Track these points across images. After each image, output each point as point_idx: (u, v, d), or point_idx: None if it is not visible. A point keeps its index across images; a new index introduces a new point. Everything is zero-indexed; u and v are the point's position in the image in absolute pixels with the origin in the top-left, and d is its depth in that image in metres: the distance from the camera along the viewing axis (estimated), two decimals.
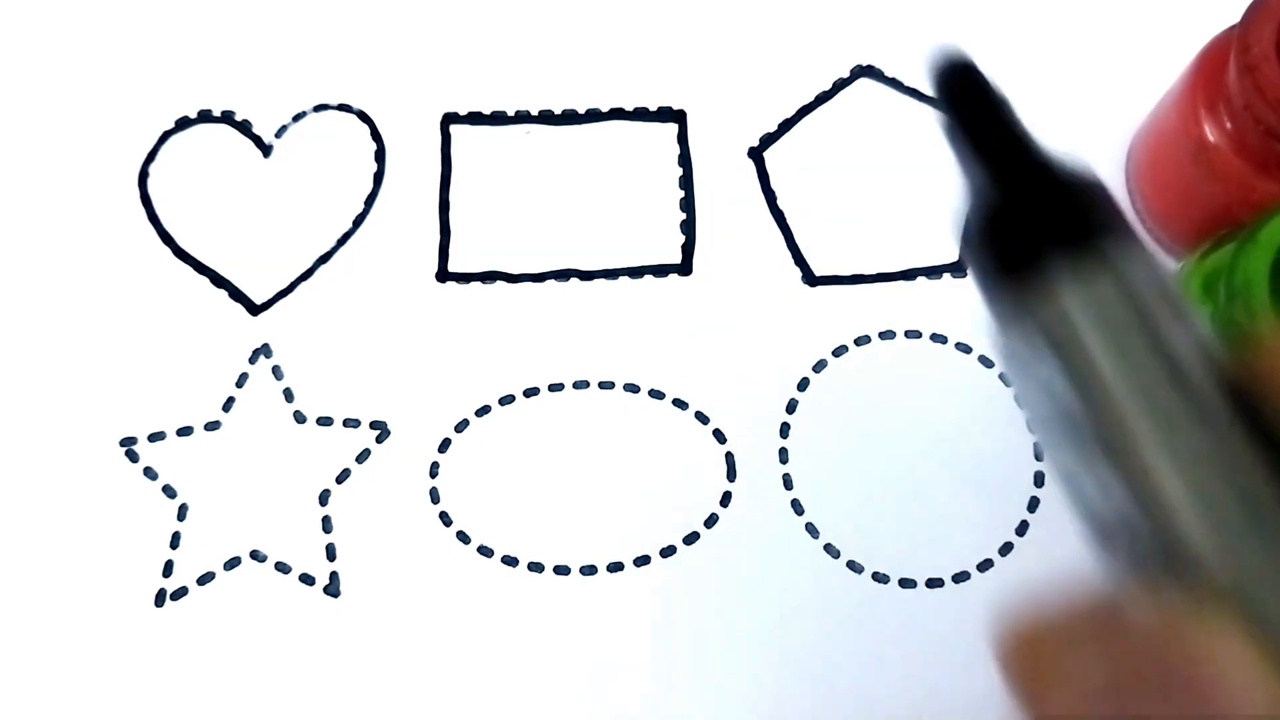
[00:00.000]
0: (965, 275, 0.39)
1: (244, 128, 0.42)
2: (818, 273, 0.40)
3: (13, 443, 0.38)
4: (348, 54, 0.43)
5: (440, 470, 0.37)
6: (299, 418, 0.38)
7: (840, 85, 0.42)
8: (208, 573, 0.37)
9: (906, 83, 0.42)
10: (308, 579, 0.36)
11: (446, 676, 0.35)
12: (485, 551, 0.36)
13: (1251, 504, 0.14)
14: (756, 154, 0.41)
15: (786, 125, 0.42)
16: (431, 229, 0.41)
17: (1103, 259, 0.16)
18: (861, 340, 0.38)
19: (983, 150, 0.18)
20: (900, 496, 0.36)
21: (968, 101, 0.19)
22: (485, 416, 0.38)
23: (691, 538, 0.36)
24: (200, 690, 0.35)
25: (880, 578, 0.36)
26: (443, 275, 0.40)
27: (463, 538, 0.36)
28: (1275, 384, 0.14)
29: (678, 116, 0.42)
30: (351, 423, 0.38)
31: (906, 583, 0.35)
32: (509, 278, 0.40)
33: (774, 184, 0.41)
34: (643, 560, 0.36)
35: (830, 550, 0.36)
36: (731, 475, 0.37)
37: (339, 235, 0.41)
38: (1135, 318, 0.15)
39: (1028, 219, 0.17)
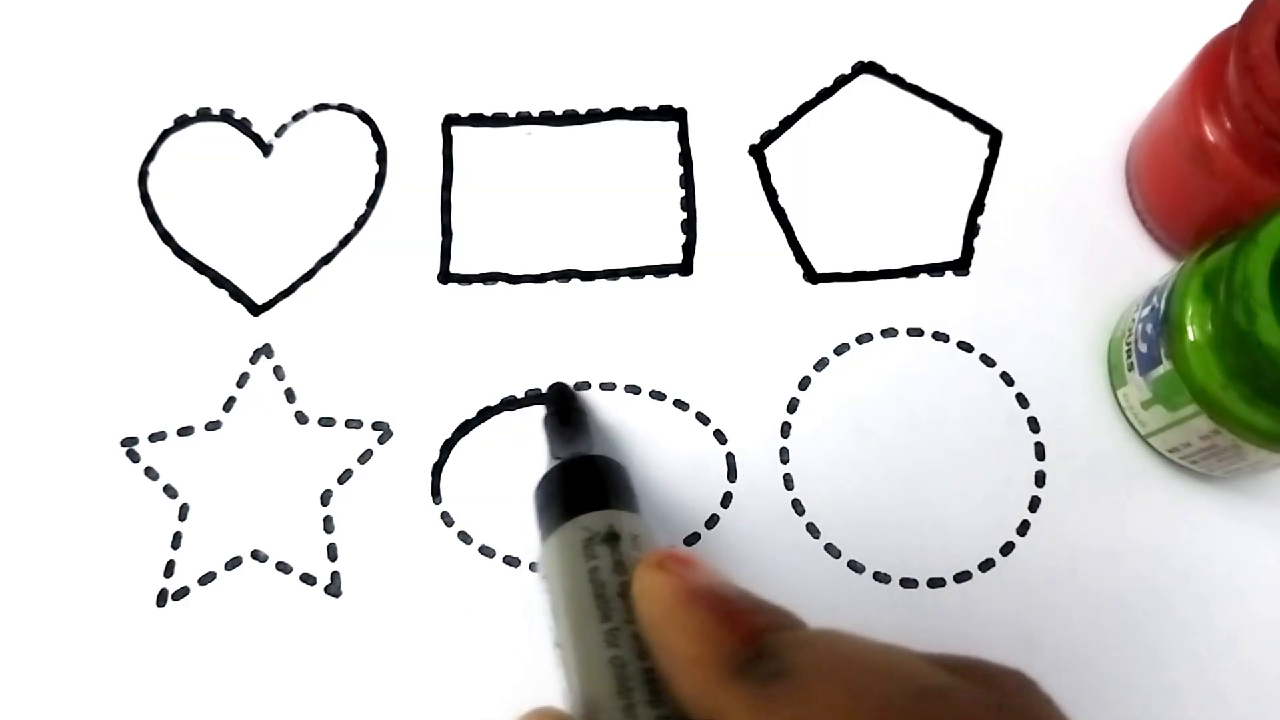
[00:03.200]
0: (968, 273, 0.39)
1: (243, 126, 0.42)
2: (819, 270, 0.40)
3: (14, 443, 0.38)
4: (348, 54, 0.43)
5: (442, 471, 0.37)
6: (301, 418, 0.38)
7: (842, 82, 0.42)
8: (209, 573, 0.37)
9: (908, 79, 0.42)
10: (309, 579, 0.36)
11: (447, 677, 0.35)
12: (487, 552, 0.36)
13: (618, 664, 0.23)
14: (757, 152, 0.41)
15: (788, 122, 0.42)
16: (433, 230, 0.40)
17: (575, 520, 0.28)
18: (863, 338, 0.38)
19: (551, 442, 0.35)
20: (901, 496, 0.36)
21: (557, 408, 0.36)
22: (487, 417, 0.38)
23: (692, 538, 0.36)
24: (202, 690, 0.35)
25: (881, 577, 0.36)
26: (444, 276, 0.40)
27: (464, 538, 0.37)
28: (638, 593, 0.24)
29: (678, 115, 0.42)
30: (354, 423, 0.38)
31: (908, 582, 0.36)
32: (510, 279, 0.40)
33: (775, 182, 0.41)
34: None
35: (831, 550, 0.36)
36: (732, 476, 0.37)
37: (341, 236, 0.41)
38: (581, 555, 0.27)
39: (548, 493, 0.31)
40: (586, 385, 0.38)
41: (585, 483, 0.31)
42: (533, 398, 0.38)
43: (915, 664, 0.20)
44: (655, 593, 0.23)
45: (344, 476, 0.38)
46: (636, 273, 0.40)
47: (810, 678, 0.19)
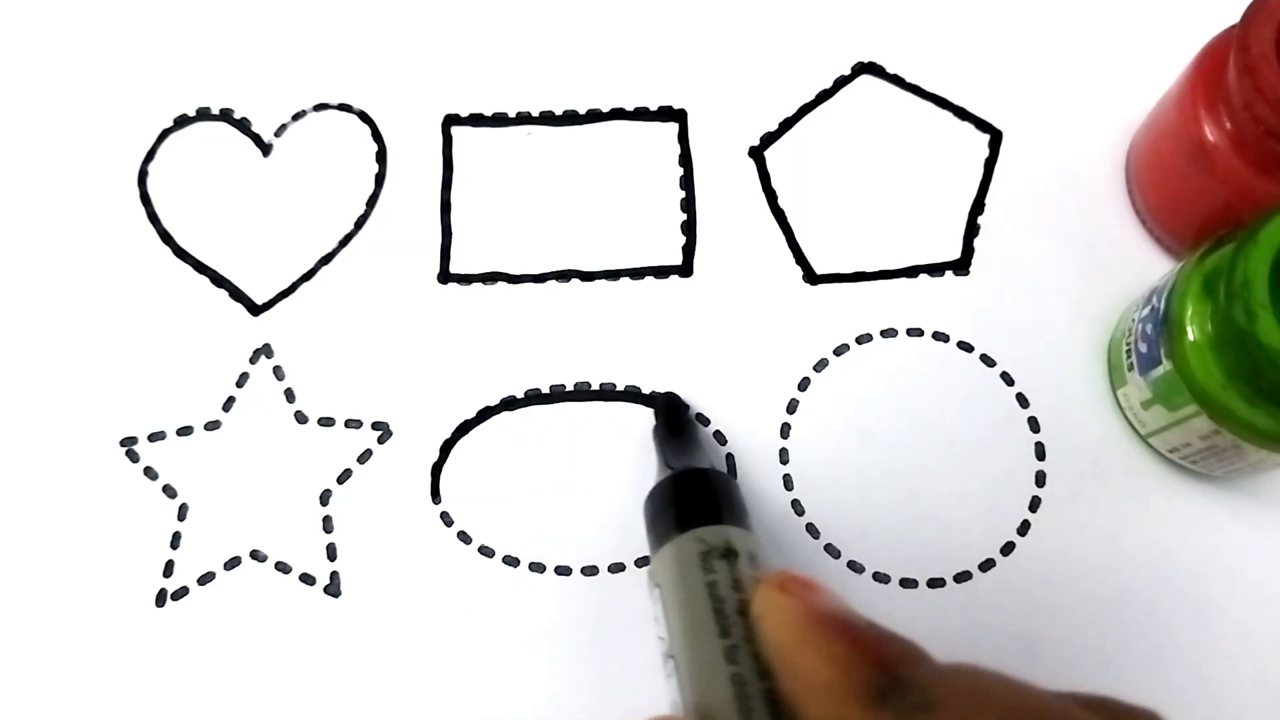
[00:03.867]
0: (968, 273, 0.39)
1: (243, 126, 0.42)
2: (819, 271, 0.40)
3: (13, 443, 0.38)
4: (348, 54, 0.43)
5: (442, 471, 0.37)
6: (300, 418, 0.38)
7: (841, 83, 0.42)
8: (208, 572, 0.37)
9: (908, 79, 0.42)
10: (308, 579, 0.36)
11: (447, 677, 0.35)
12: (486, 552, 0.36)
13: (739, 682, 0.23)
14: (757, 153, 0.41)
15: (787, 124, 0.42)
16: (433, 230, 0.41)
17: (691, 532, 0.27)
18: (863, 339, 0.38)
19: (663, 451, 0.34)
20: (901, 496, 0.36)
21: (666, 418, 0.36)
22: (487, 417, 0.38)
23: None
24: (201, 690, 0.35)
25: (881, 577, 0.36)
26: (444, 276, 0.40)
27: (464, 538, 0.37)
28: (760, 614, 0.23)
29: (678, 116, 0.42)
30: (353, 423, 0.38)
31: (908, 583, 0.35)
32: (510, 279, 0.40)
33: (775, 183, 0.41)
34: (644, 561, 0.36)
35: (831, 550, 0.36)
36: (732, 476, 0.37)
37: (341, 236, 0.41)
38: (699, 568, 0.26)
39: (664, 503, 0.30)
40: (586, 385, 0.38)
41: (700, 496, 0.30)
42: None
43: (1058, 704, 0.20)
44: (779, 615, 0.22)
45: (343, 476, 0.37)
46: (636, 273, 0.40)
47: (956, 714, 0.19)
